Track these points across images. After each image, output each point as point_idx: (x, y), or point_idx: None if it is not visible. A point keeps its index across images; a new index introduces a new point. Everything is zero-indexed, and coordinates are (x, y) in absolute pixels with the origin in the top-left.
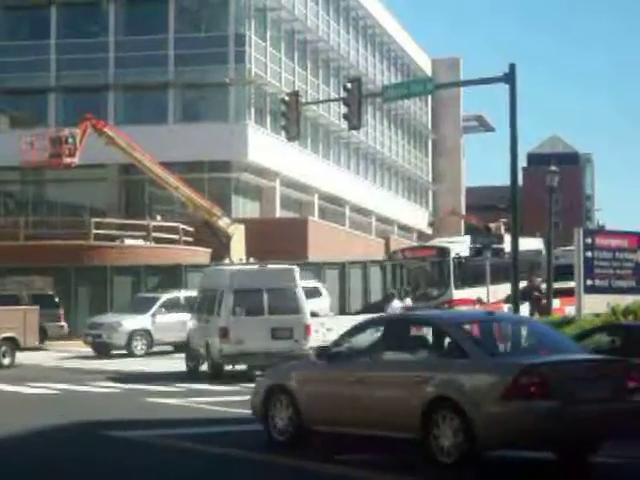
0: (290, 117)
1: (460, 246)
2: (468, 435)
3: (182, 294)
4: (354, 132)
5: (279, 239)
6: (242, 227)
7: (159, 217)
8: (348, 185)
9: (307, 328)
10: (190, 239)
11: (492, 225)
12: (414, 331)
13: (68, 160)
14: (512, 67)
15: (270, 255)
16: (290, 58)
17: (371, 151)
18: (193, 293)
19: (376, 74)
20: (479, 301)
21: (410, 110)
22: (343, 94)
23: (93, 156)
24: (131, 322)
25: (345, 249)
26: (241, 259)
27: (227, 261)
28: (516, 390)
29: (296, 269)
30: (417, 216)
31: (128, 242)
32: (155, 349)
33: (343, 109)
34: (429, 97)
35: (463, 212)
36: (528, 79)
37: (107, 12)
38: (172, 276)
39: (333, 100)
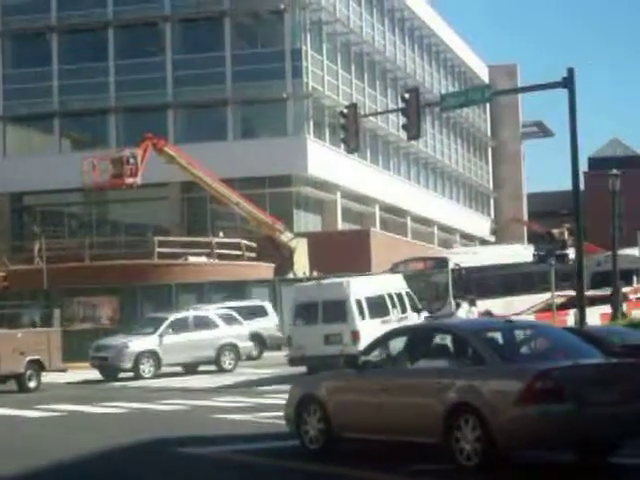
0: (349, 129)
1: (462, 257)
2: (488, 439)
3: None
4: (413, 142)
5: (342, 251)
6: (305, 241)
7: (221, 234)
8: (409, 195)
9: (355, 334)
10: (253, 255)
11: (555, 231)
12: (436, 340)
13: (130, 180)
14: (570, 71)
15: (333, 268)
16: (347, 70)
17: (431, 160)
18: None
19: (433, 83)
20: (488, 313)
21: (469, 118)
22: (401, 104)
23: (154, 175)
24: (138, 343)
25: None
26: (305, 273)
27: (291, 275)
28: (531, 394)
29: (346, 283)
30: (479, 224)
31: (192, 259)
32: (164, 370)
33: (402, 119)
34: (487, 105)
35: (525, 219)
36: (586, 83)
37: (164, 32)
38: (237, 292)
39: (391, 111)
